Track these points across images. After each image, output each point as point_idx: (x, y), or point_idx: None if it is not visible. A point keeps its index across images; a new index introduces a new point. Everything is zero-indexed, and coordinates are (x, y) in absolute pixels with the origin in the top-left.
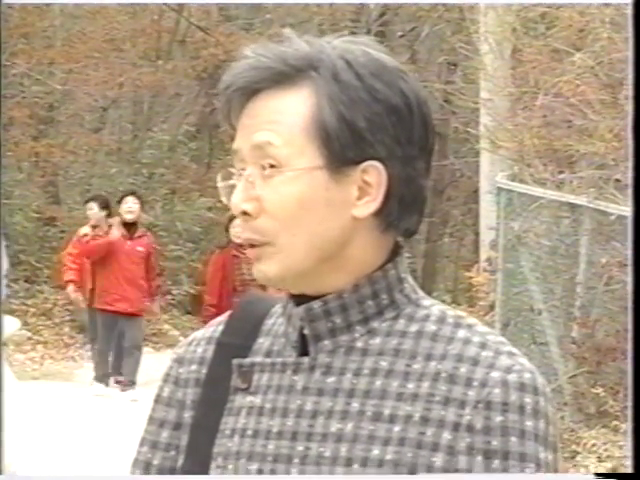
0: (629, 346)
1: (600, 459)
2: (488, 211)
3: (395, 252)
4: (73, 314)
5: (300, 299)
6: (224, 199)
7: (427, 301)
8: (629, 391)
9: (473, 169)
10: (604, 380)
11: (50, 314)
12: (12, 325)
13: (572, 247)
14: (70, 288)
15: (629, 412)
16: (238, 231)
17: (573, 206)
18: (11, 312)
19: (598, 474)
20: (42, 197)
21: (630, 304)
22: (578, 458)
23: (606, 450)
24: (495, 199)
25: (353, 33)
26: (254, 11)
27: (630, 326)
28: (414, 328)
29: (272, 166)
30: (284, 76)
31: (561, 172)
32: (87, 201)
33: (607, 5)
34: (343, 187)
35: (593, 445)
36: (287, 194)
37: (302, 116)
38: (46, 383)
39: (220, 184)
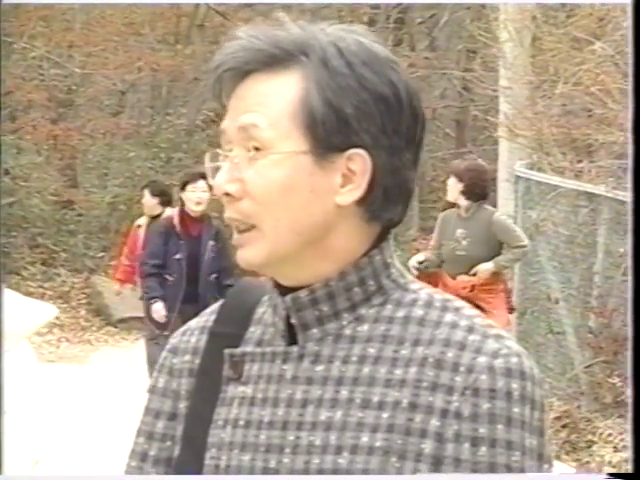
0: (629, 347)
1: (616, 449)
2: (506, 199)
3: (381, 238)
4: (89, 297)
5: (284, 289)
6: (210, 180)
7: (415, 285)
8: (629, 390)
9: (491, 157)
10: (621, 370)
11: (67, 297)
12: (50, 312)
13: (590, 236)
14: (116, 287)
15: (629, 412)
16: None
17: (591, 195)
18: (28, 295)
19: (610, 474)
20: (60, 180)
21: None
22: (594, 448)
23: (622, 440)
24: (513, 187)
25: (372, 20)
26: None
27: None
28: (401, 313)
29: (257, 149)
30: (275, 59)
31: (580, 161)
32: (142, 188)
33: (610, 2)
34: (327, 173)
35: (609, 435)
36: (271, 177)
37: (290, 100)
38: (62, 366)
39: (207, 164)
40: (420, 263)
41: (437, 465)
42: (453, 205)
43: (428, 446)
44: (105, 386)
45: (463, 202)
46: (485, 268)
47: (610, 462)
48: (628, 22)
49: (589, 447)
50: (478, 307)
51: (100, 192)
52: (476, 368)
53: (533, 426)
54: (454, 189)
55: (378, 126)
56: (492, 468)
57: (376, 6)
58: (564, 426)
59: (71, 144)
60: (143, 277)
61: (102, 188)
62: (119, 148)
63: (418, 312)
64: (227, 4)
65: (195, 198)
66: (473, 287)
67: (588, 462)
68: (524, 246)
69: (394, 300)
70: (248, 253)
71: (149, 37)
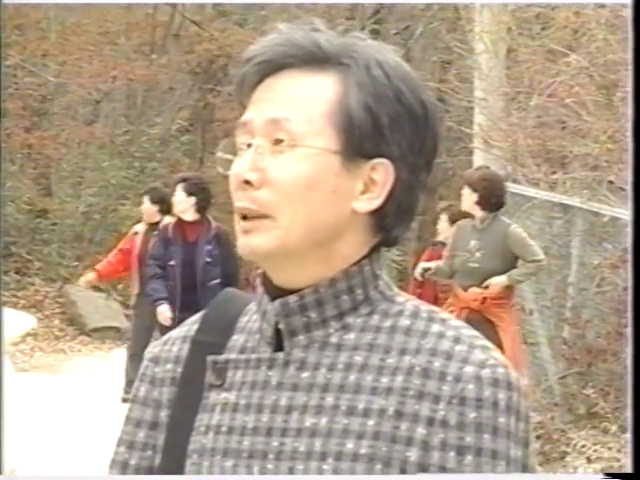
0: (629, 346)
1: (590, 460)
2: None
3: (373, 250)
4: (63, 307)
5: (275, 293)
6: (221, 169)
7: (401, 297)
8: (628, 390)
9: (466, 168)
10: (595, 381)
11: (40, 306)
12: (29, 322)
13: (564, 248)
14: (90, 275)
15: (629, 412)
16: None
17: (566, 207)
18: (1, 304)
19: (607, 474)
20: (34, 189)
21: (630, 304)
22: (568, 459)
23: (596, 451)
24: None
25: (347, 30)
26: (248, 7)
27: (630, 325)
28: (388, 323)
29: (283, 141)
30: (314, 58)
31: (554, 173)
32: (142, 194)
33: (603, 6)
34: (351, 177)
35: (583, 446)
36: (297, 171)
37: (327, 100)
38: (36, 375)
39: (219, 154)
40: (425, 270)
41: (422, 473)
42: (466, 215)
43: (413, 454)
44: (79, 395)
45: (478, 213)
46: (498, 281)
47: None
48: (628, 22)
49: (562, 458)
50: (488, 321)
51: (74, 201)
52: (463, 377)
53: (518, 437)
54: (469, 199)
55: (407, 141)
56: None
57: (351, 17)
58: (538, 437)
59: (45, 153)
60: (147, 279)
61: (76, 197)
62: (93, 157)
63: (405, 322)
64: (202, 14)
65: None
66: (484, 300)
67: (555, 471)
68: (540, 260)
69: (381, 310)
70: (256, 240)
71: (124, 46)
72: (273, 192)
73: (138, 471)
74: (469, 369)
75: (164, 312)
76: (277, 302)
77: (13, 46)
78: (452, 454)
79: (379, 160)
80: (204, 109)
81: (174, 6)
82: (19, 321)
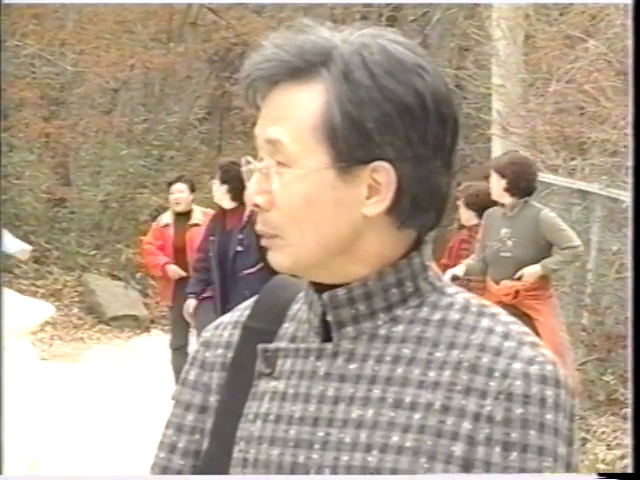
0: (629, 345)
1: (609, 447)
2: None
3: (419, 241)
4: (82, 295)
5: (320, 287)
6: (246, 182)
7: (452, 289)
8: (629, 390)
9: (484, 155)
10: (614, 368)
11: (59, 295)
12: (47, 310)
13: (583, 234)
14: (172, 267)
15: (629, 411)
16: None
17: (585, 193)
18: (20, 293)
19: (601, 474)
20: (52, 178)
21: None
22: (588, 445)
23: (615, 438)
24: None
25: (365, 17)
26: None
27: (630, 324)
28: (437, 316)
29: (282, 163)
30: (300, 70)
31: (573, 159)
32: (172, 183)
33: (611, 2)
34: (351, 186)
35: (603, 433)
36: (295, 191)
37: (312, 113)
38: (55, 364)
39: (243, 168)
40: (455, 278)
41: (467, 468)
42: (480, 196)
43: (459, 449)
44: (98, 384)
45: (507, 200)
46: (531, 272)
47: (604, 460)
48: (628, 22)
49: (583, 445)
50: (525, 315)
51: (92, 190)
52: (511, 374)
53: (564, 434)
54: (497, 186)
55: (402, 138)
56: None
57: (368, 4)
58: None
59: (63, 142)
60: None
61: (94, 186)
62: (111, 146)
63: (454, 316)
64: (219, 3)
65: (174, 199)
66: (517, 293)
67: (582, 460)
68: (575, 247)
69: (430, 303)
70: (276, 258)
71: (141, 35)
72: (279, 214)
73: (186, 454)
74: (517, 365)
75: (187, 307)
76: (326, 294)
77: (30, 35)
78: (497, 449)
79: (376, 164)
80: (222, 97)
81: None
82: (37, 309)
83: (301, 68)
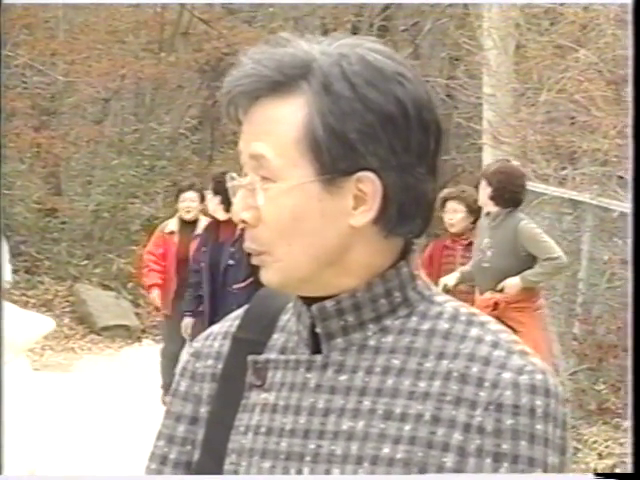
0: (629, 344)
1: (601, 456)
2: None
3: (406, 250)
4: (73, 305)
5: (308, 298)
6: (232, 198)
7: (441, 297)
8: (629, 390)
9: (475, 164)
10: (605, 377)
11: (50, 305)
12: (48, 325)
13: (574, 244)
14: (155, 292)
15: (629, 411)
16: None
17: (575, 203)
18: (12, 302)
19: (598, 474)
20: (43, 188)
21: (630, 301)
22: (579, 455)
23: (607, 447)
24: None
25: (356, 27)
26: (257, 4)
27: (630, 323)
28: (426, 326)
29: (267, 178)
30: (280, 85)
31: (564, 168)
32: (183, 190)
33: (611, 2)
34: (337, 198)
35: (594, 442)
36: (281, 206)
37: (295, 127)
38: (46, 374)
39: (228, 184)
40: (447, 287)
41: None
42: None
43: (450, 460)
44: (89, 394)
45: (492, 208)
46: (512, 284)
47: (595, 469)
48: (628, 22)
49: (574, 454)
50: (508, 327)
51: (84, 200)
52: (500, 384)
53: (555, 444)
54: (483, 194)
55: (385, 147)
56: None
57: (359, 14)
58: None
59: (54, 152)
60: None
61: (86, 196)
62: (102, 156)
63: (443, 325)
64: (211, 12)
65: (184, 207)
66: (496, 305)
67: (573, 470)
68: (555, 258)
69: (419, 312)
70: (266, 275)
71: (133, 45)
72: (266, 229)
73: (177, 465)
74: (507, 375)
75: (185, 325)
76: (314, 306)
77: (22, 45)
78: (488, 460)
79: (361, 174)
80: (213, 107)
81: (182, 4)
82: (37, 323)
83: (281, 82)
